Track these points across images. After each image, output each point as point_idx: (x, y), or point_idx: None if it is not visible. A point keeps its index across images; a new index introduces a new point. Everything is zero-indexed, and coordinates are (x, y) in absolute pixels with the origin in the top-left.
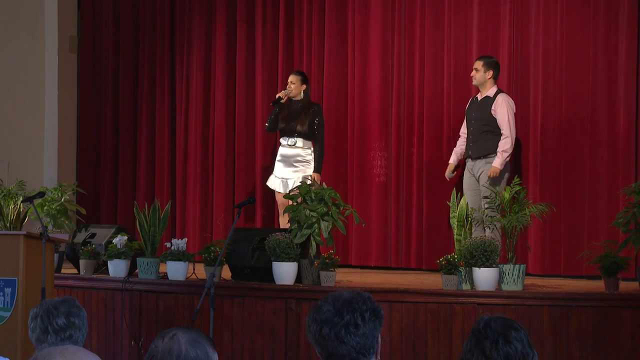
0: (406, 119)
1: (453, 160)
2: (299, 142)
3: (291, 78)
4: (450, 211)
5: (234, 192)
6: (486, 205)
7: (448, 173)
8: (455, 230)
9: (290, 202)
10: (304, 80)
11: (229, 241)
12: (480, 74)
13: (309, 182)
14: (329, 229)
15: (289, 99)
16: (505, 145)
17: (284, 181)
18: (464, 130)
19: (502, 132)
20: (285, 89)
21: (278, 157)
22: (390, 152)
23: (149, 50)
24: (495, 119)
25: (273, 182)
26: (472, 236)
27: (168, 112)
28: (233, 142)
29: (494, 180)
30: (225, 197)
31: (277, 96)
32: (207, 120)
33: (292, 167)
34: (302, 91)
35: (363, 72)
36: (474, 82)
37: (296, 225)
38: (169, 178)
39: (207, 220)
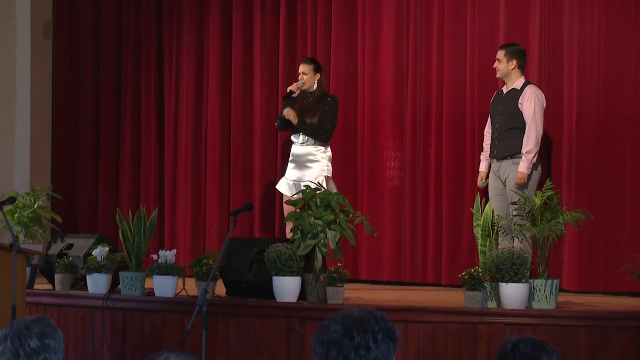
0: (423, 115)
1: (483, 166)
2: (310, 139)
3: (302, 68)
4: (474, 219)
5: (230, 198)
6: (514, 212)
7: (480, 182)
8: (480, 241)
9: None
10: (317, 68)
11: (223, 253)
12: (502, 64)
13: (324, 184)
14: (336, 239)
15: (302, 92)
16: (529, 144)
17: (296, 184)
18: (488, 129)
19: (526, 128)
20: (297, 82)
21: (290, 158)
22: (405, 153)
23: (134, 39)
24: (522, 113)
25: (283, 186)
26: (499, 247)
27: (155, 108)
28: (228, 141)
29: (523, 184)
30: (220, 203)
31: (288, 90)
32: (199, 117)
33: (304, 169)
34: (315, 81)
35: (374, 62)
36: (498, 75)
37: (299, 234)
38: (156, 182)
39: (199, 229)
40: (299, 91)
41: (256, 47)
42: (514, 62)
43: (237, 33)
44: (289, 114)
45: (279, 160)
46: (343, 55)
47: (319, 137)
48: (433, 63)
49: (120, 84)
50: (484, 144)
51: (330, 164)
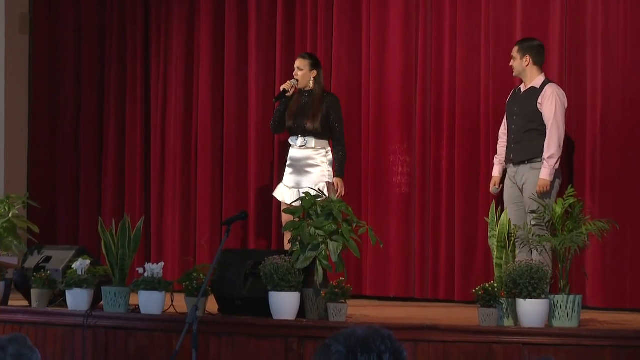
0: (433, 115)
1: (497, 171)
2: (310, 141)
3: (298, 63)
4: (489, 229)
5: (222, 206)
6: (533, 222)
7: (493, 188)
8: (495, 253)
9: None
10: (314, 64)
11: (215, 266)
12: (517, 62)
13: (325, 191)
14: (338, 251)
15: (298, 91)
16: (551, 149)
17: (294, 191)
18: (504, 130)
19: (546, 131)
20: (292, 79)
21: (288, 162)
22: (414, 156)
23: (118, 33)
24: (542, 114)
25: (281, 193)
26: (516, 260)
27: (141, 108)
28: (221, 144)
29: (545, 192)
30: (212, 211)
31: (281, 89)
32: (189, 118)
33: (303, 174)
34: (312, 79)
35: (381, 57)
36: (514, 73)
37: (298, 246)
38: (142, 188)
39: (188, 240)
40: (293, 90)
41: (251, 42)
42: (528, 58)
43: (231, 26)
44: (286, 85)
45: (276, 165)
46: (346, 50)
47: (345, 158)
48: (445, 59)
49: (104, 82)
50: (499, 147)
51: (331, 169)
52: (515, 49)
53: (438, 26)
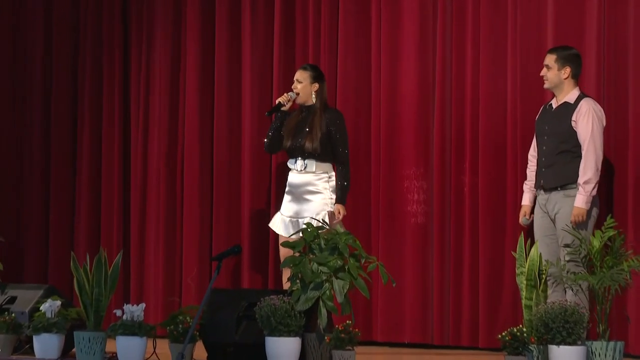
0: (454, 134)
1: (527, 199)
2: (310, 165)
3: (298, 75)
4: (517, 265)
5: (212, 238)
6: (567, 257)
7: (522, 218)
8: (524, 293)
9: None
10: (316, 77)
11: (204, 307)
12: (552, 72)
13: (328, 220)
14: (345, 291)
15: (299, 107)
16: (587, 173)
17: (293, 221)
18: (534, 152)
19: (582, 152)
20: (290, 92)
21: (286, 188)
22: (431, 183)
23: (93, 34)
24: (577, 133)
25: (279, 224)
26: (548, 301)
27: (119, 124)
28: (210, 167)
29: (581, 223)
30: (200, 244)
31: (276, 102)
32: (173, 136)
33: (303, 202)
34: (313, 93)
35: (393, 67)
36: (546, 85)
37: (299, 285)
38: (120, 217)
39: (173, 277)
40: (290, 104)
41: (245, 47)
42: (568, 70)
43: (222, 30)
44: (282, 97)
45: (273, 191)
46: (352, 60)
47: (348, 183)
48: (466, 68)
49: (77, 90)
50: (528, 171)
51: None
52: (552, 57)
53: (459, 32)
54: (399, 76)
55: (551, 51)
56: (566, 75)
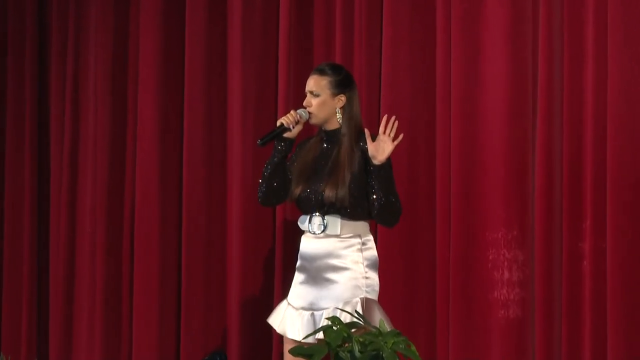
0: (567, 173)
1: None
2: (334, 225)
3: (312, 83)
4: None
5: (179, 341)
6: None
7: None
8: None
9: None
10: (342, 83)
11: None
12: None
13: (360, 309)
14: None
15: (315, 132)
16: None
17: (307, 316)
18: None
19: None
20: (299, 109)
21: (298, 262)
22: (531, 251)
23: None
24: None
25: (282, 319)
26: None
27: (31, 153)
28: (177, 229)
29: None
30: (159, 350)
31: (278, 123)
32: (118, 188)
33: (323, 284)
34: (337, 110)
35: (469, 68)
36: None
37: None
38: (32, 313)
39: None
40: (300, 128)
41: (233, 42)
42: None
43: (195, 16)
44: (287, 117)
45: (278, 265)
46: (404, 58)
47: (392, 211)
48: (586, 77)
49: None
50: None
51: (375, 272)
52: None
53: (574, 25)
54: (479, 82)
55: None
56: None
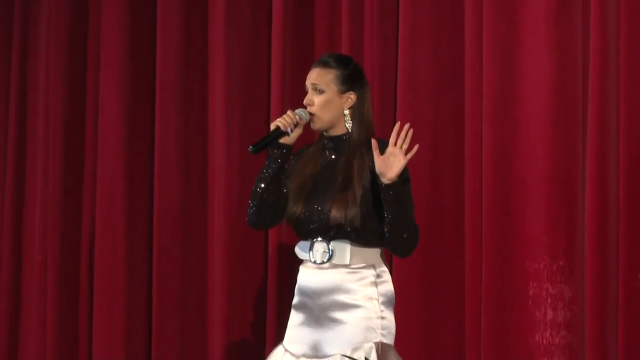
0: (624, 193)
1: None
2: (342, 252)
3: (314, 76)
4: None
5: None
6: None
7: None
8: None
9: None
10: (351, 77)
11: None
12: None
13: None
14: None
15: (317, 137)
16: None
17: None
18: None
19: None
20: (298, 109)
21: (295, 299)
22: (581, 286)
23: None
24: None
25: None
26: None
27: None
28: (148, 245)
29: None
30: None
31: (272, 126)
32: (74, 209)
33: (327, 325)
34: (346, 111)
35: (505, 63)
36: None
37: None
38: None
39: None
40: (299, 132)
41: (215, 32)
42: None
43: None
44: (284, 119)
45: (272, 299)
46: (428, 51)
47: (404, 240)
48: None
49: None
50: None
51: (392, 311)
52: None
53: (632, 1)
54: (516, 78)
55: None
56: None
